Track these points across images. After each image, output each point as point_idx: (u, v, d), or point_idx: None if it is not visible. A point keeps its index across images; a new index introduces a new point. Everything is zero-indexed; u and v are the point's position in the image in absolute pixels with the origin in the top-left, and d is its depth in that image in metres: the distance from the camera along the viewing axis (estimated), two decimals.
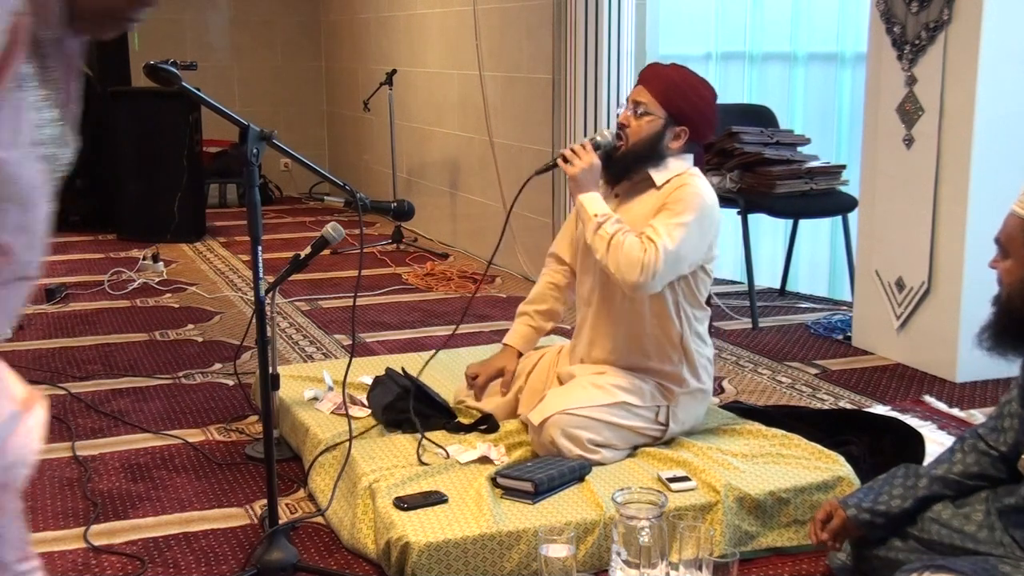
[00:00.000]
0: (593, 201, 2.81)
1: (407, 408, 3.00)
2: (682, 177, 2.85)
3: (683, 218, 2.74)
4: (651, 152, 2.85)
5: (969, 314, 3.79)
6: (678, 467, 2.71)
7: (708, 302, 2.98)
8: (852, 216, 4.68)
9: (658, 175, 2.86)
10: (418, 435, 2.89)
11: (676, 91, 2.86)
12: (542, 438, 2.76)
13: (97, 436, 3.36)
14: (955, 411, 3.53)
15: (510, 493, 2.56)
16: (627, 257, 2.69)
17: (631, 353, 2.90)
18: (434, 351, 3.32)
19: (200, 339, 4.49)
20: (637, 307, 2.86)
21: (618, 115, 2.98)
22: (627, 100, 2.94)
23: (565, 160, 2.85)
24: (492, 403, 3.12)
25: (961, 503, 2.21)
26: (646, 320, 2.87)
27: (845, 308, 4.85)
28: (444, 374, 3.42)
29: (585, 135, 5.05)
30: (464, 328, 4.60)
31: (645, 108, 2.85)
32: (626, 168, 2.88)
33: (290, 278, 3.12)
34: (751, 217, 4.74)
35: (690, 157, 2.91)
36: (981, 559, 2.06)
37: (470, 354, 3.65)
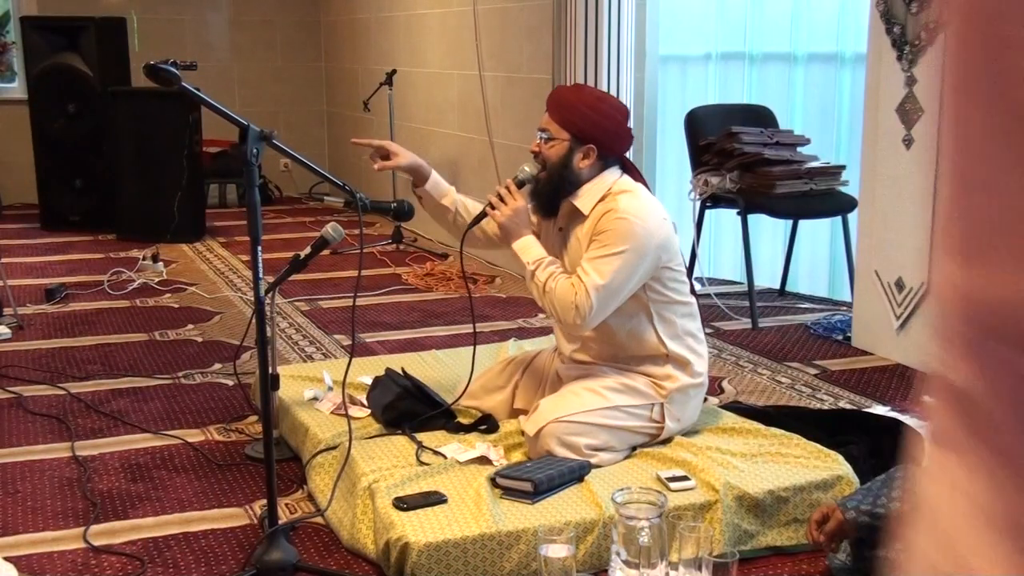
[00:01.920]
0: (526, 248, 2.87)
1: (407, 408, 3.01)
2: (610, 200, 2.84)
3: (612, 249, 2.74)
4: (563, 176, 2.87)
5: None
6: (677, 467, 2.71)
7: (691, 291, 2.98)
8: (852, 216, 4.68)
9: (581, 202, 2.87)
10: (418, 435, 2.90)
11: (574, 112, 2.89)
12: (538, 447, 2.76)
13: (97, 436, 3.36)
14: None
15: (509, 493, 2.56)
16: (560, 302, 2.75)
17: (614, 358, 2.93)
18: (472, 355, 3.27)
19: (200, 339, 4.49)
20: (616, 325, 2.88)
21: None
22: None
23: (492, 207, 2.90)
24: (491, 400, 3.14)
25: None
26: (619, 333, 2.89)
27: (845, 308, 4.84)
28: (444, 374, 3.42)
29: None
30: (465, 328, 4.60)
31: (549, 134, 2.90)
32: (550, 198, 2.90)
33: (290, 278, 3.12)
34: (751, 217, 4.74)
35: (612, 172, 2.90)
36: None
37: (470, 353, 3.64)
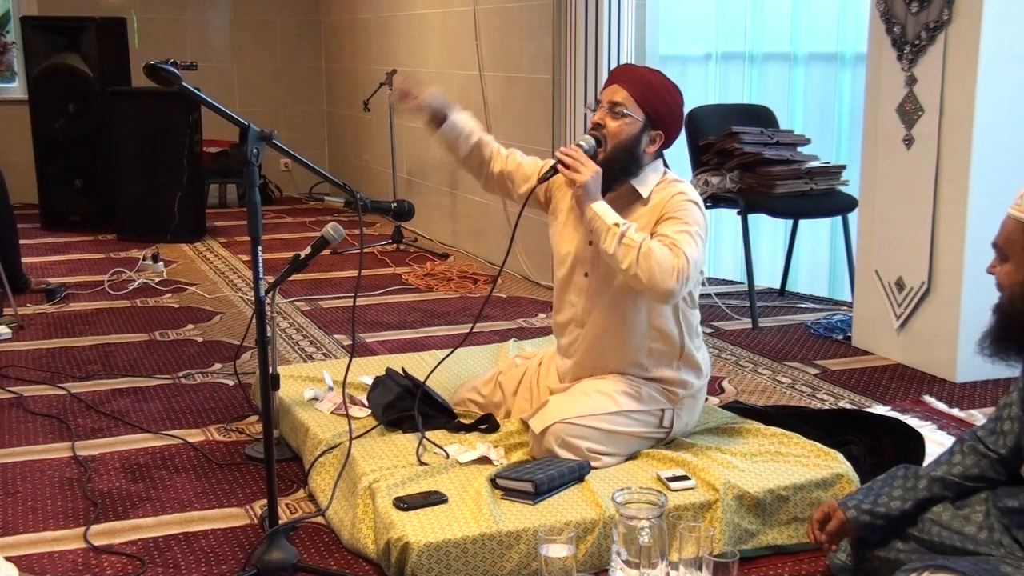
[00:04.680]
0: (608, 210, 2.71)
1: (407, 408, 3.00)
2: (667, 186, 2.80)
3: (693, 228, 2.70)
4: (629, 156, 2.78)
5: (969, 314, 3.79)
6: (677, 467, 2.71)
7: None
8: (852, 216, 4.68)
9: (641, 187, 2.81)
10: (418, 435, 2.90)
11: (653, 93, 2.79)
12: (542, 446, 2.75)
13: (97, 436, 3.36)
14: (955, 411, 3.53)
15: (510, 494, 2.56)
16: (660, 264, 2.60)
17: (631, 368, 2.88)
18: (451, 350, 3.26)
19: (200, 339, 4.49)
20: (638, 324, 2.83)
21: (590, 114, 2.90)
22: (600, 100, 2.86)
23: (566, 166, 2.74)
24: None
25: (961, 504, 2.21)
26: (647, 335, 2.84)
27: (845, 308, 4.85)
28: (444, 374, 3.42)
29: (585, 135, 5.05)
30: (465, 328, 4.60)
31: (623, 108, 2.77)
32: (609, 176, 2.78)
33: (290, 278, 3.12)
34: (751, 217, 4.74)
35: (660, 163, 2.87)
36: (982, 559, 2.06)
37: (469, 354, 3.65)
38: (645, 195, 2.80)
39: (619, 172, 2.80)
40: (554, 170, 2.81)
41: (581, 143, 2.79)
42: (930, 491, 2.23)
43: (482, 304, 3.08)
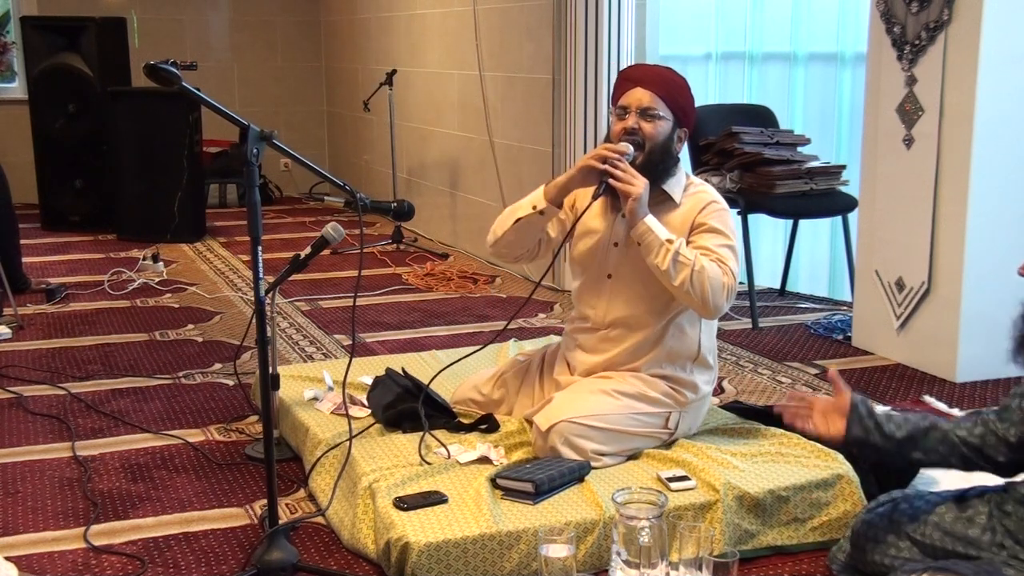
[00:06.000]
0: (659, 225, 2.71)
1: (408, 408, 3.00)
2: (695, 190, 2.83)
3: (730, 241, 2.76)
4: (667, 156, 2.81)
5: (969, 314, 3.79)
6: (677, 467, 2.71)
7: None
8: (852, 216, 4.68)
9: (673, 189, 2.82)
10: (418, 434, 2.89)
11: (677, 90, 2.83)
12: (546, 444, 2.75)
13: (97, 436, 3.36)
14: (955, 411, 3.53)
15: (510, 494, 2.56)
16: (712, 283, 2.66)
17: (648, 365, 2.87)
18: (481, 346, 3.24)
19: (200, 339, 4.49)
20: (659, 323, 2.83)
21: (611, 119, 2.89)
22: (623, 105, 2.82)
23: (617, 180, 2.69)
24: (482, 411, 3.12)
25: (964, 505, 2.21)
26: (667, 334, 2.84)
27: (845, 308, 4.85)
28: (444, 374, 3.42)
29: (585, 135, 5.05)
30: (465, 328, 4.60)
31: (655, 111, 2.78)
32: (650, 179, 2.74)
33: (290, 278, 3.12)
34: (751, 217, 4.74)
35: (681, 164, 2.90)
36: (984, 562, 2.06)
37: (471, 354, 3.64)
38: (678, 200, 2.82)
39: (660, 174, 2.80)
40: (604, 185, 2.75)
41: (627, 150, 2.75)
42: (927, 430, 2.20)
43: (520, 306, 3.08)
